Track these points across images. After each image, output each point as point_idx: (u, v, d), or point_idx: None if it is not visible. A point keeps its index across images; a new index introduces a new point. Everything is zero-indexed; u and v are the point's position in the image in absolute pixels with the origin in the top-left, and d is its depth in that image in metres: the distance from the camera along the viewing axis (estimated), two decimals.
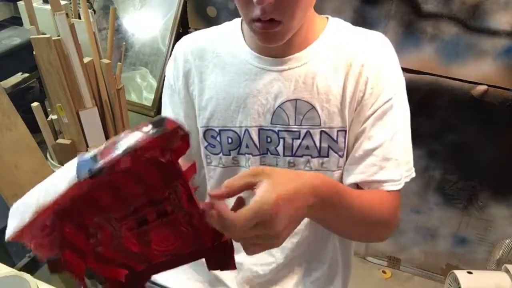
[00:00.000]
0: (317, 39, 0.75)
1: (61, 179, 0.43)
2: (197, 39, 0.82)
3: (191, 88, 0.81)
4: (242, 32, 0.79)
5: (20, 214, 0.45)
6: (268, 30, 0.66)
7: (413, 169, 0.77)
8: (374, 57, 0.74)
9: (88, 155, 0.42)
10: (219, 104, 0.78)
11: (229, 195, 0.51)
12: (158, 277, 0.92)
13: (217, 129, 0.80)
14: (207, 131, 0.81)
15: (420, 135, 1.44)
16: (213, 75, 0.79)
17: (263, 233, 0.50)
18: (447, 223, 1.68)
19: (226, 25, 0.83)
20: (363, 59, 0.73)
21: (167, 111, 0.86)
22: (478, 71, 1.39)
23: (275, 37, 0.68)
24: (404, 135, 0.75)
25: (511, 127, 1.44)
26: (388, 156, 0.73)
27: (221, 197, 0.50)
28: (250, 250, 0.52)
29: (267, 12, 0.63)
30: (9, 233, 0.45)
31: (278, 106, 0.76)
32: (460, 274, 1.37)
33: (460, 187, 1.60)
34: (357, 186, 0.76)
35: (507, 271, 1.38)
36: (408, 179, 0.76)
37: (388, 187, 0.73)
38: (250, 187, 0.51)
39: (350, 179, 0.76)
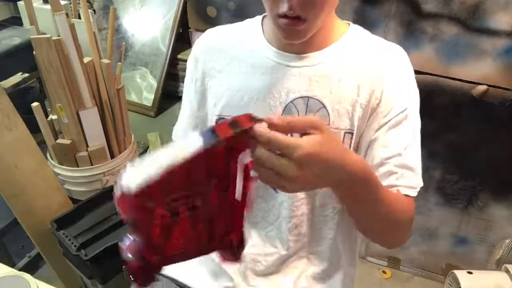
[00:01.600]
0: (337, 41, 0.77)
1: (184, 148, 0.48)
2: (218, 33, 0.86)
3: (206, 79, 0.84)
4: (262, 28, 0.82)
5: (145, 171, 0.47)
6: (293, 27, 0.68)
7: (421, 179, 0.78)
8: (391, 66, 0.75)
9: (206, 129, 0.49)
10: (233, 95, 0.80)
11: (284, 129, 0.52)
12: (163, 270, 0.93)
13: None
14: (219, 120, 0.83)
15: (420, 135, 1.44)
16: (229, 66, 0.82)
17: (286, 165, 0.50)
18: (447, 223, 1.68)
19: (247, 21, 0.86)
20: (380, 67, 0.75)
21: (184, 98, 0.91)
22: (478, 71, 1.39)
23: (298, 34, 0.70)
24: (418, 146, 0.77)
25: (511, 127, 1.44)
26: (407, 165, 0.74)
27: (277, 127, 0.51)
28: (263, 175, 0.52)
29: (294, 9, 0.65)
30: (134, 183, 0.46)
31: (290, 102, 0.77)
32: (460, 274, 1.37)
33: (460, 187, 1.60)
34: None
35: (507, 271, 1.38)
36: (419, 188, 0.76)
37: (405, 190, 0.73)
38: (303, 132, 0.53)
39: None
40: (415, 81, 0.78)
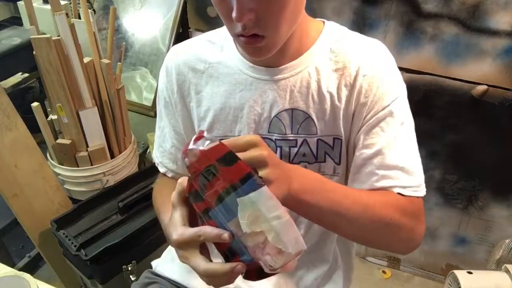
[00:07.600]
0: (312, 46, 0.74)
1: None
2: (188, 50, 0.81)
3: (187, 100, 0.82)
4: (235, 42, 0.77)
5: None
6: (252, 45, 0.65)
7: (424, 184, 0.72)
8: (368, 66, 0.72)
9: None
10: (217, 114, 0.79)
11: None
12: (162, 270, 0.93)
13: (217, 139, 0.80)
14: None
15: (420, 135, 1.44)
16: (208, 86, 0.79)
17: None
18: (447, 223, 1.68)
19: (216, 33, 0.82)
20: (357, 68, 0.72)
21: (163, 121, 0.87)
22: (478, 71, 1.39)
23: (261, 51, 0.67)
24: (406, 142, 0.73)
25: (511, 127, 1.44)
26: (388, 163, 0.70)
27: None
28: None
29: (248, 28, 0.62)
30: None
31: (275, 116, 0.76)
32: (460, 274, 1.37)
33: (460, 187, 1.60)
34: None
35: (507, 271, 1.38)
36: (420, 187, 0.72)
37: (397, 190, 0.69)
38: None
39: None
40: (398, 75, 0.74)
